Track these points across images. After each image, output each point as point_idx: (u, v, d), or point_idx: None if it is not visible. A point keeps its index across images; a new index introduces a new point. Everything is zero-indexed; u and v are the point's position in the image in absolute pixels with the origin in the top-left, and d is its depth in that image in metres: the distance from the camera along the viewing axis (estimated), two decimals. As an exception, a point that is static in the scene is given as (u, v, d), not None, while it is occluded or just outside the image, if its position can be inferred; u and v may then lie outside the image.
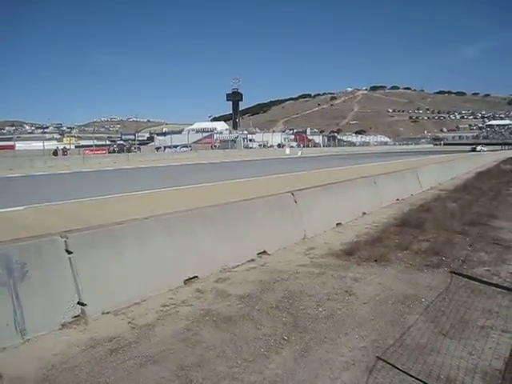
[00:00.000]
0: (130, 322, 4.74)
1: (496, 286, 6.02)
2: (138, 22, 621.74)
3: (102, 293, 5.01)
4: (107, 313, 4.93)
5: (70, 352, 4.08)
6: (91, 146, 52.62)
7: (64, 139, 70.00)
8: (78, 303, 4.76)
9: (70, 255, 4.82)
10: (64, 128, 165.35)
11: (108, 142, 67.76)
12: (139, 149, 60.46)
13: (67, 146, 55.37)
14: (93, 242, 5.15)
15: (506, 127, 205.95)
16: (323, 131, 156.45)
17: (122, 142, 68.13)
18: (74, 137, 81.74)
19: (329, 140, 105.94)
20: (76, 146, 60.06)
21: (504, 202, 14.34)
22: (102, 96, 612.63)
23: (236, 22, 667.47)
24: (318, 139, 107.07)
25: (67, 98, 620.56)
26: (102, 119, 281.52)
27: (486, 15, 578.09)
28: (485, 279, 6.27)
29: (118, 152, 53.85)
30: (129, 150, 55.05)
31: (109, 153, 52.56)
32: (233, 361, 3.91)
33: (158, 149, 62.95)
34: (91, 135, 68.51)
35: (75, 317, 4.71)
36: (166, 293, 5.59)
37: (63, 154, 47.49)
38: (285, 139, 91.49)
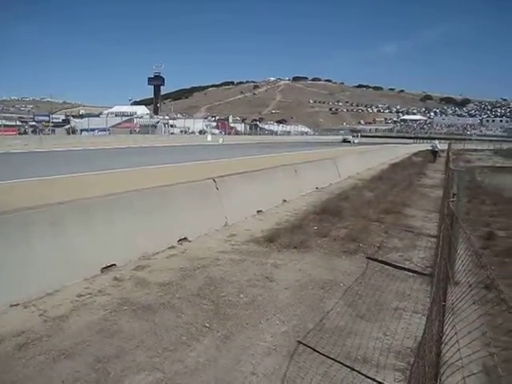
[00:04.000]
0: (41, 315, 4.46)
1: (408, 270, 6.38)
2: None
3: (9, 283, 4.64)
4: (16, 305, 4.59)
5: (-28, 348, 3.75)
6: (-1, 125, 48.78)
7: (-34, 117, 64.61)
8: (-18, 295, 4.40)
9: (-27, 243, 4.42)
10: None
11: (19, 123, 63.38)
12: (53, 131, 57.14)
13: (-31, 125, 51.10)
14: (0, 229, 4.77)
15: (418, 122, 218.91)
16: (245, 119, 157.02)
17: (34, 123, 63.90)
18: (-21, 115, 75.81)
19: (251, 128, 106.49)
20: (-20, 126, 55.55)
21: (415, 191, 15.24)
22: (12, 73, 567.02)
23: (158, 5, 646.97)
24: (239, 127, 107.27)
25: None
26: (12, 98, 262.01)
27: (404, 15, 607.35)
28: (398, 264, 6.63)
29: (32, 133, 50.65)
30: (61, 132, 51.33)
31: (19, 134, 49.21)
32: (153, 350, 3.81)
33: (74, 132, 59.92)
34: (-1, 114, 63.64)
35: (-22, 310, 4.34)
36: (82, 282, 5.34)
37: (-36, 134, 43.86)
38: (207, 126, 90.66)
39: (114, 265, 5.91)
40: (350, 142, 33.72)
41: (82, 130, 60.80)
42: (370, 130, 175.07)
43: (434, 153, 34.38)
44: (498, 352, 1.59)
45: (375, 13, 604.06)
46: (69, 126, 65.56)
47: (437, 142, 38.49)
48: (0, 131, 46.43)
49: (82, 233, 5.62)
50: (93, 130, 61.33)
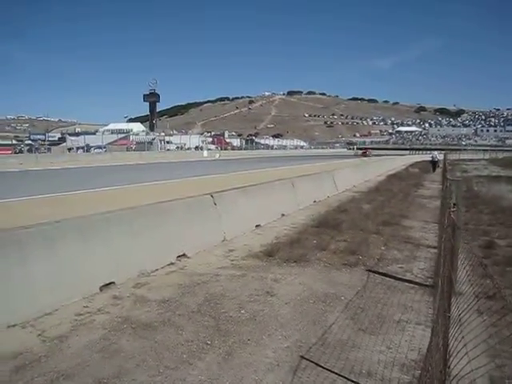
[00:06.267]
0: (40, 335, 4.38)
1: (409, 281, 6.34)
2: (51, 15, 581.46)
3: (5, 304, 4.56)
4: (13, 326, 4.50)
5: (-31, 372, 3.66)
6: (-5, 145, 48.81)
7: (-38, 137, 64.65)
8: (-22, 316, 4.32)
9: (-31, 263, 4.36)
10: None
11: (14, 142, 63.43)
12: (49, 149, 57.16)
13: (-34, 145, 51.16)
14: (-5, 249, 4.70)
15: (413, 133, 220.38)
16: (241, 134, 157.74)
17: (30, 141, 63.94)
18: (-25, 135, 75.88)
19: (247, 143, 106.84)
20: (-23, 145, 55.57)
21: (413, 202, 15.24)
22: (8, 92, 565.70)
23: (152, 22, 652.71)
24: (235, 142, 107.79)
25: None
26: (8, 117, 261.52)
27: (398, 27, 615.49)
28: (399, 276, 6.59)
29: (28, 152, 50.69)
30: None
31: (15, 153, 49.25)
32: (154, 369, 3.74)
33: (70, 150, 59.93)
34: (-5, 134, 63.66)
35: (-25, 332, 4.26)
36: (81, 301, 5.27)
37: (-39, 154, 43.78)
38: (203, 142, 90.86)
39: (113, 283, 5.85)
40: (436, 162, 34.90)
41: (78, 148, 60.90)
42: (365, 142, 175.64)
43: (434, 163, 35.57)
44: (504, 363, 1.56)
45: (369, 25, 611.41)
46: (64, 144, 65.60)
47: (436, 152, 39.93)
48: (-4, 150, 46.43)
49: (79, 251, 5.57)
50: (89, 147, 61.50)
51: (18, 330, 4.47)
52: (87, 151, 58.23)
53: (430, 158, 37.99)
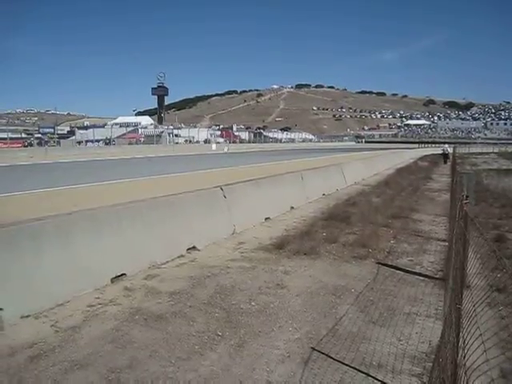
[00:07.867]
0: (53, 325, 4.44)
1: (419, 274, 6.35)
2: (59, 9, 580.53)
3: (19, 295, 4.64)
4: (27, 316, 4.56)
5: (-15, 361, 3.72)
6: (5, 138, 48.80)
7: (-29, 130, 64.80)
8: (-7, 307, 4.37)
9: (-16, 255, 4.42)
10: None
11: (24, 135, 63.63)
12: (59, 143, 57.42)
13: (-25, 138, 51.22)
14: (8, 240, 4.76)
15: (422, 127, 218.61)
16: (249, 127, 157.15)
17: (39, 135, 64.20)
18: (-16, 128, 76.14)
19: (255, 136, 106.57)
20: (-15, 138, 55.69)
21: (422, 196, 15.18)
22: (18, 86, 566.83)
23: (159, 14, 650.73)
24: (244, 135, 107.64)
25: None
26: (18, 111, 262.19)
27: (405, 20, 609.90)
28: (408, 269, 6.60)
29: (37, 145, 50.88)
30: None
31: (24, 146, 49.44)
32: (166, 360, 3.78)
33: (79, 143, 60.30)
34: (5, 127, 63.89)
35: (-10, 322, 4.32)
36: (93, 292, 5.32)
37: (-30, 147, 44.03)
38: (211, 135, 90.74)
39: (124, 274, 5.90)
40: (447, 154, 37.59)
41: (87, 141, 61.23)
42: (374, 135, 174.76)
43: (445, 156, 37.82)
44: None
45: (377, 18, 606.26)
46: (73, 137, 65.94)
47: (447, 145, 42.72)
48: (6, 144, 46.66)
49: (91, 243, 5.62)
50: (98, 140, 61.81)
51: (31, 321, 4.53)
52: (107, 144, 58.42)
53: (441, 151, 40.21)
